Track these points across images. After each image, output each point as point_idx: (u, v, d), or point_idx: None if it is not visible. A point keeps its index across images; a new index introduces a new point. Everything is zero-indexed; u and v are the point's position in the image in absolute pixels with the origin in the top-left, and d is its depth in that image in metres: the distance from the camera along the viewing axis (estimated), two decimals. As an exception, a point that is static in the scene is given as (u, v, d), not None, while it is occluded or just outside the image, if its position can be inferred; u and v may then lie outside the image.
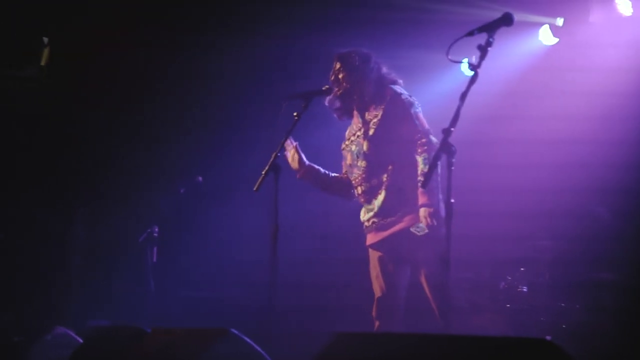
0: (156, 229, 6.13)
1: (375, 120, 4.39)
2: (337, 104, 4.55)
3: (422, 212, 4.19)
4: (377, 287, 4.46)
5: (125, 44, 6.74)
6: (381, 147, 4.37)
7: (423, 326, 4.32)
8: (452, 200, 3.27)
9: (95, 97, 7.01)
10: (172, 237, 6.64)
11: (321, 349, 2.99)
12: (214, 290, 6.91)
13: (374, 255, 4.50)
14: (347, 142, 4.60)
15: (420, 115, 4.38)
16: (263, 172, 4.10)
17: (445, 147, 3.27)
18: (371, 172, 4.40)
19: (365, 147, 4.40)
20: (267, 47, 6.80)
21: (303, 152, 4.64)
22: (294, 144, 4.54)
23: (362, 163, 4.43)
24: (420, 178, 4.21)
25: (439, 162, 3.41)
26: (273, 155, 4.14)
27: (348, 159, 4.54)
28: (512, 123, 6.34)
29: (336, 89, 4.48)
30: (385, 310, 4.41)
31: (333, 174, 4.67)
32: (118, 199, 7.16)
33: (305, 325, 6.17)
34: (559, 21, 6.42)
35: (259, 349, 3.55)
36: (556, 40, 6.45)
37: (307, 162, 4.60)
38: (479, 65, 3.35)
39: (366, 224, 4.48)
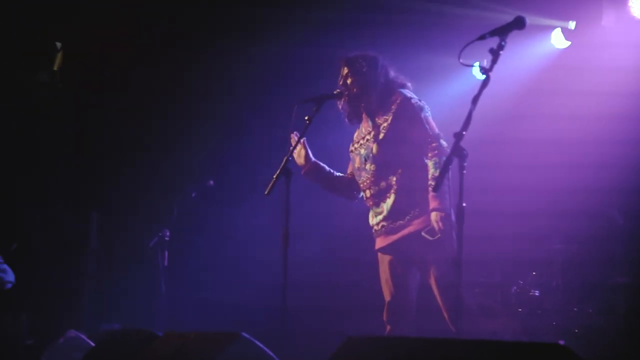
0: (167, 233, 6.14)
1: (385, 124, 4.39)
2: (347, 107, 4.55)
3: (434, 216, 4.18)
4: (387, 291, 4.45)
5: (139, 49, 6.77)
6: (390, 150, 4.37)
7: (435, 330, 4.30)
8: (464, 204, 3.26)
9: (108, 102, 7.04)
10: (183, 240, 6.65)
11: (333, 352, 2.99)
12: (225, 293, 6.91)
13: (383, 259, 4.49)
14: (355, 145, 4.60)
15: (430, 119, 4.37)
16: (274, 176, 4.11)
17: (457, 151, 3.26)
18: (380, 176, 4.40)
19: (374, 151, 4.40)
20: (280, 52, 6.81)
21: (315, 155, 4.64)
22: (302, 139, 4.53)
23: (370, 166, 4.43)
24: (432, 182, 4.20)
25: (450, 166, 3.40)
26: (284, 159, 4.14)
27: (356, 162, 4.54)
28: (524, 124, 6.33)
29: (345, 93, 4.48)
30: (396, 315, 4.40)
31: (338, 173, 4.67)
32: (130, 203, 7.18)
33: (316, 328, 6.17)
34: (571, 24, 6.40)
35: (270, 352, 3.55)
36: (568, 43, 6.44)
37: (313, 159, 4.60)
38: (490, 68, 3.34)
39: (375, 227, 4.47)
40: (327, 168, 4.66)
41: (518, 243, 6.09)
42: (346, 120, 4.62)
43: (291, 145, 4.37)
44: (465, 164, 3.26)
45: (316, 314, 6.38)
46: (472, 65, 3.81)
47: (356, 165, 4.53)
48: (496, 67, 3.35)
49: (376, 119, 4.44)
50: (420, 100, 4.41)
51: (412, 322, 4.40)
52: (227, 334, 3.65)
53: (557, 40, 6.47)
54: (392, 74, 4.51)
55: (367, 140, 4.47)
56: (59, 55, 6.74)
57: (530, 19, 3.47)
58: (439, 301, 4.28)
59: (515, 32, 3.41)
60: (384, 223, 4.39)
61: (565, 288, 5.82)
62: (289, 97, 4.60)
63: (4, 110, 6.55)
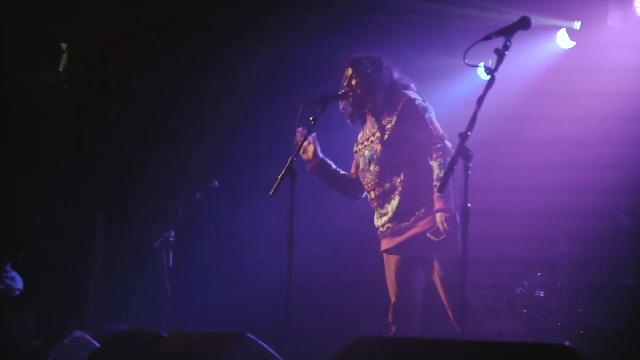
0: (172, 234, 6.15)
1: (389, 125, 4.39)
2: (350, 109, 4.55)
3: (439, 217, 4.19)
4: (393, 292, 4.45)
5: (144, 49, 6.77)
6: (395, 152, 4.37)
7: (440, 330, 4.30)
8: (469, 205, 3.26)
9: (113, 102, 7.05)
10: (188, 241, 6.66)
11: (337, 352, 2.99)
12: (230, 294, 6.92)
13: (389, 260, 4.49)
14: (360, 146, 4.60)
15: (434, 120, 4.37)
16: (279, 177, 4.11)
17: (462, 152, 3.26)
18: (384, 177, 4.40)
19: (379, 152, 4.40)
20: (285, 52, 6.81)
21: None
22: (313, 135, 4.52)
23: (375, 168, 4.43)
24: (436, 183, 4.20)
25: (455, 167, 3.39)
26: (289, 160, 4.14)
27: (360, 164, 4.54)
28: (529, 124, 6.33)
29: (350, 95, 4.48)
30: (401, 315, 4.40)
31: (342, 172, 4.67)
32: (135, 203, 7.19)
33: (321, 328, 6.17)
34: (577, 25, 6.39)
35: (274, 353, 3.55)
36: (573, 43, 6.43)
37: (320, 155, 4.59)
38: (495, 69, 3.33)
39: (381, 229, 4.47)
40: (334, 166, 4.66)
41: (523, 244, 6.08)
42: (348, 120, 4.62)
43: (297, 143, 4.36)
44: (470, 164, 3.26)
45: (321, 314, 6.38)
46: (477, 66, 3.81)
47: (360, 166, 4.54)
48: (501, 68, 3.34)
49: (381, 120, 4.44)
50: (424, 101, 4.41)
51: (417, 323, 4.40)
52: (232, 335, 3.66)
53: (563, 40, 6.46)
54: (396, 75, 4.51)
55: (372, 141, 4.47)
56: (65, 57, 6.75)
57: (535, 19, 3.46)
58: (444, 301, 4.29)
59: (520, 33, 3.41)
60: (389, 225, 4.40)
61: (571, 289, 5.81)
62: (294, 98, 4.60)
63: (8, 111, 6.56)
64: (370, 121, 4.53)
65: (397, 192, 4.35)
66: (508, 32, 3.39)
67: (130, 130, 7.20)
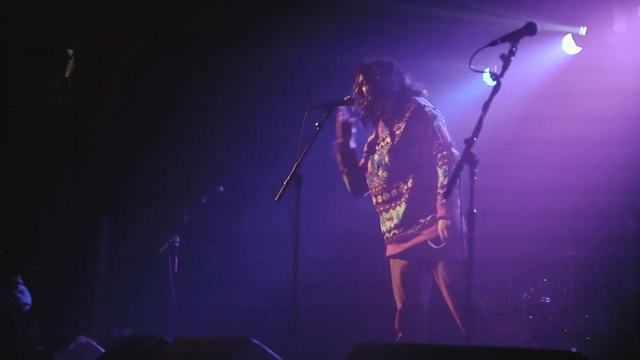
0: (177, 239, 6.16)
1: (398, 131, 4.40)
2: (362, 113, 4.56)
3: (440, 224, 4.20)
4: (399, 298, 4.44)
5: (150, 53, 6.78)
6: (403, 158, 4.37)
7: (446, 334, 4.29)
8: (475, 210, 3.25)
9: (119, 108, 7.06)
10: (193, 246, 6.66)
11: (342, 357, 2.98)
12: (235, 298, 6.92)
13: (395, 267, 4.48)
14: (369, 149, 4.59)
15: (443, 127, 4.36)
16: (284, 182, 4.11)
17: (468, 157, 3.25)
18: (391, 183, 4.40)
19: (387, 159, 4.40)
20: (290, 57, 6.81)
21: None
22: (351, 119, 4.53)
23: (383, 173, 4.43)
24: (440, 190, 4.20)
25: (460, 173, 3.38)
26: (294, 165, 4.14)
27: (369, 167, 4.54)
28: (537, 125, 6.33)
29: (360, 100, 4.49)
30: (407, 322, 4.38)
31: (361, 164, 4.66)
32: (140, 209, 7.19)
33: (326, 332, 6.17)
34: (582, 30, 6.38)
35: (279, 358, 3.55)
36: (579, 49, 6.42)
37: (353, 135, 4.57)
38: (501, 74, 3.32)
39: (387, 235, 4.47)
40: (356, 154, 4.63)
41: (529, 249, 6.06)
42: (360, 123, 4.61)
43: (302, 149, 4.35)
44: (476, 170, 3.25)
45: (326, 318, 6.37)
46: (483, 71, 3.80)
47: (369, 169, 4.54)
48: (507, 73, 3.34)
49: (391, 126, 4.45)
50: (434, 109, 4.41)
51: (424, 328, 4.39)
52: (236, 340, 3.66)
53: (568, 46, 6.45)
54: (408, 81, 4.51)
55: (382, 146, 4.47)
56: (71, 62, 6.77)
57: (541, 25, 3.45)
58: (450, 305, 4.28)
59: (526, 38, 3.40)
60: (395, 231, 4.40)
61: (577, 294, 5.79)
62: (300, 103, 4.60)
63: (11, 113, 6.57)
64: (381, 126, 4.54)
65: (403, 199, 4.35)
66: (514, 37, 3.38)
67: (136, 135, 7.21)
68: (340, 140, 4.58)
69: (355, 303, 6.51)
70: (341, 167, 4.62)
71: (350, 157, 4.59)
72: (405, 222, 4.34)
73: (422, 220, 4.30)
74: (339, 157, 4.61)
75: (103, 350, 5.08)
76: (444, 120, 4.39)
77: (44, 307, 6.17)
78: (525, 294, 5.96)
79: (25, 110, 6.74)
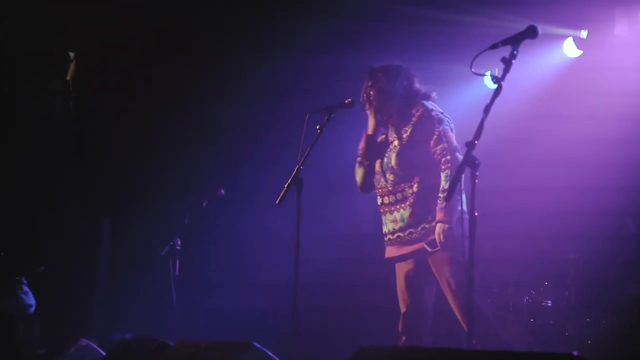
0: (178, 242, 6.16)
1: (405, 135, 4.43)
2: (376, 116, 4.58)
3: (438, 227, 4.21)
4: (403, 302, 4.43)
5: (153, 54, 6.79)
6: (409, 162, 4.38)
7: (451, 339, 4.28)
8: (476, 214, 3.25)
9: (119, 108, 7.06)
10: (194, 249, 6.66)
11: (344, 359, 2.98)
12: (236, 301, 6.91)
13: (399, 270, 4.48)
14: (379, 151, 4.58)
15: (450, 132, 4.36)
16: (286, 185, 4.11)
17: (469, 160, 3.25)
18: (397, 186, 4.41)
19: (393, 162, 4.42)
20: (291, 58, 6.81)
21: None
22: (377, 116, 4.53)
23: (390, 176, 4.44)
24: (440, 194, 4.20)
25: (462, 176, 3.38)
26: (296, 168, 4.14)
27: (377, 167, 4.54)
28: (542, 125, 6.33)
29: (368, 105, 4.51)
30: (411, 326, 4.38)
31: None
32: (142, 211, 7.19)
33: (327, 335, 6.17)
34: (583, 33, 6.39)
35: (281, 362, 3.55)
36: (580, 52, 6.42)
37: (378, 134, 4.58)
38: (502, 78, 3.32)
39: (389, 237, 4.46)
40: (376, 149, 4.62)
41: (530, 252, 6.06)
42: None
43: (303, 153, 4.35)
44: (477, 173, 3.25)
45: (326, 319, 6.37)
46: (484, 75, 3.80)
47: (376, 170, 4.54)
48: (508, 77, 3.33)
49: (399, 130, 4.47)
50: (442, 113, 4.42)
51: (428, 333, 4.38)
52: (237, 344, 3.66)
53: (569, 49, 6.45)
54: (416, 85, 4.52)
55: (390, 149, 4.48)
56: (72, 64, 6.77)
57: (542, 28, 3.45)
58: (455, 309, 4.27)
59: (527, 41, 3.40)
60: (400, 234, 4.40)
61: (578, 298, 5.78)
62: (301, 106, 4.60)
63: (15, 114, 6.58)
64: (390, 129, 4.55)
65: (408, 203, 4.36)
66: (515, 40, 3.38)
67: (136, 135, 7.21)
68: (371, 131, 4.58)
69: (355, 304, 6.52)
70: (361, 159, 4.60)
71: (373, 151, 4.60)
72: (410, 226, 4.35)
73: (427, 226, 4.30)
74: (362, 148, 4.59)
75: (104, 354, 5.08)
76: (451, 125, 4.39)
77: (45, 309, 6.17)
78: (527, 297, 5.96)
79: (26, 111, 6.74)
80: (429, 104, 4.45)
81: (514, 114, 6.08)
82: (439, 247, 4.20)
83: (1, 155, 6.45)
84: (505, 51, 3.37)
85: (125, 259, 7.09)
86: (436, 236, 4.19)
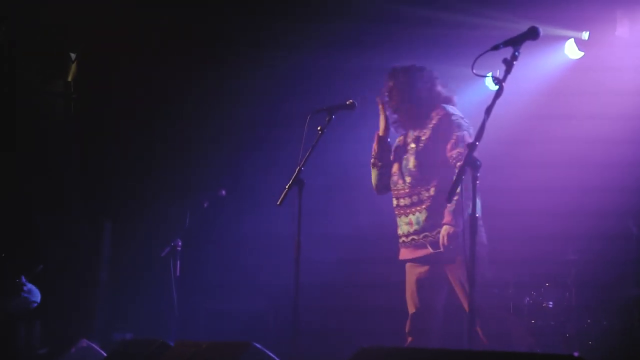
0: (179, 243, 6.15)
1: (424, 137, 4.41)
2: (394, 117, 4.57)
3: (443, 229, 4.21)
4: (412, 303, 4.42)
5: (154, 57, 6.79)
6: (426, 165, 4.37)
7: (455, 340, 4.28)
8: (478, 215, 3.25)
9: (121, 112, 7.06)
10: (195, 250, 6.66)
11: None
12: (237, 302, 6.91)
13: (411, 272, 4.46)
14: (397, 151, 4.57)
15: (468, 137, 4.33)
16: (287, 187, 4.11)
17: (470, 162, 3.25)
18: (414, 189, 4.39)
19: (411, 164, 4.41)
20: (292, 60, 6.82)
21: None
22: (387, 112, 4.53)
23: (407, 178, 4.43)
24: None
25: (463, 177, 3.38)
26: (297, 169, 4.14)
27: (394, 168, 4.53)
28: (543, 125, 6.33)
29: (390, 104, 4.50)
30: (419, 327, 4.36)
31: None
32: (143, 213, 7.19)
33: (328, 336, 6.17)
34: (585, 35, 6.39)
35: (281, 362, 3.55)
36: (582, 54, 6.42)
37: (389, 132, 4.57)
38: (504, 79, 3.32)
39: (404, 239, 4.44)
40: (389, 150, 4.62)
41: (530, 253, 6.06)
42: (391, 128, 4.61)
43: (305, 154, 4.35)
44: (478, 174, 3.25)
45: (327, 320, 6.37)
46: (486, 76, 3.79)
47: (394, 169, 4.53)
48: (509, 78, 3.33)
49: (417, 133, 4.45)
50: (462, 118, 4.40)
51: (436, 335, 4.36)
52: (238, 344, 3.66)
53: (571, 50, 6.45)
54: (438, 87, 4.51)
55: (408, 151, 4.47)
56: (74, 66, 6.78)
57: (543, 30, 3.45)
58: (462, 300, 4.27)
59: (528, 43, 3.40)
60: (414, 237, 4.38)
61: (579, 299, 5.78)
62: (302, 107, 4.60)
63: (17, 118, 6.58)
64: (409, 131, 4.54)
65: (424, 206, 4.34)
66: (516, 42, 3.38)
67: (138, 137, 7.21)
68: (382, 132, 4.58)
69: (356, 304, 6.52)
70: (375, 160, 4.60)
71: (386, 152, 4.59)
72: (426, 229, 4.34)
73: (440, 228, 4.28)
74: (376, 149, 4.59)
75: (105, 354, 5.08)
76: (470, 130, 4.37)
77: (46, 310, 6.17)
78: (528, 298, 5.95)
79: (27, 111, 6.74)
80: (450, 108, 4.43)
81: (516, 115, 6.09)
82: (441, 249, 4.19)
83: (1, 155, 6.45)
84: (507, 52, 3.37)
85: (126, 259, 7.09)
86: (440, 237, 4.19)
